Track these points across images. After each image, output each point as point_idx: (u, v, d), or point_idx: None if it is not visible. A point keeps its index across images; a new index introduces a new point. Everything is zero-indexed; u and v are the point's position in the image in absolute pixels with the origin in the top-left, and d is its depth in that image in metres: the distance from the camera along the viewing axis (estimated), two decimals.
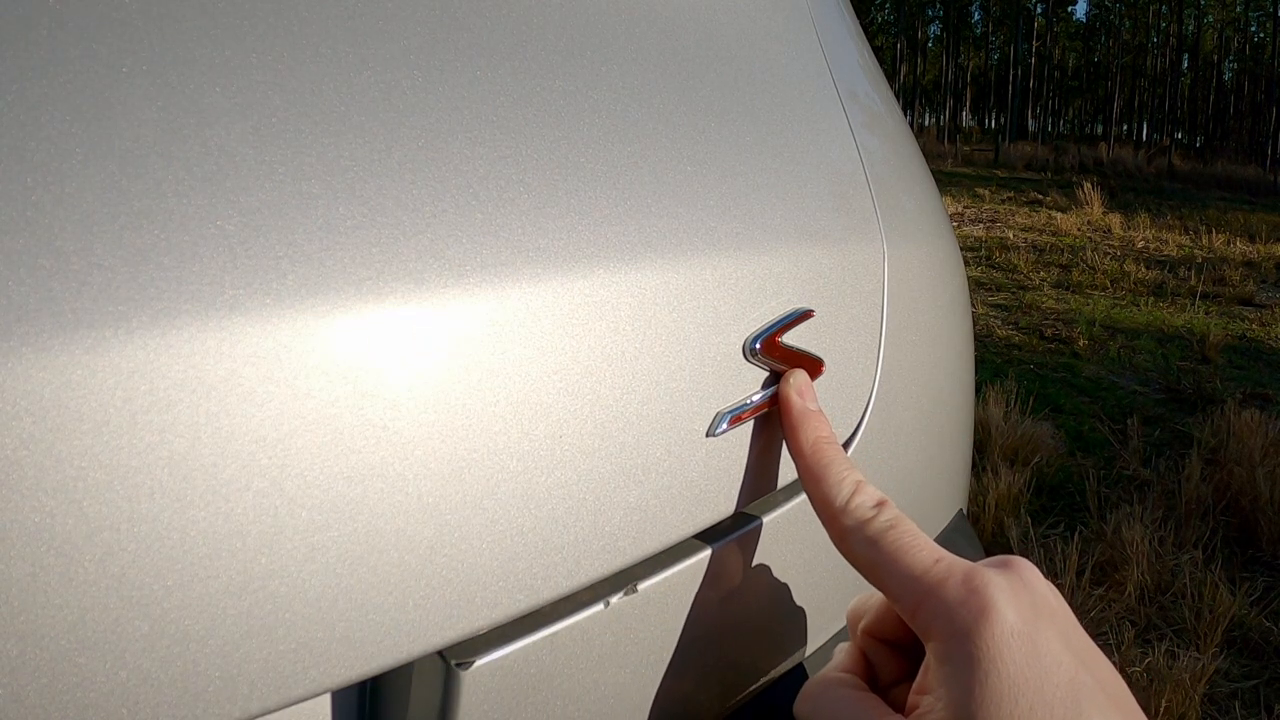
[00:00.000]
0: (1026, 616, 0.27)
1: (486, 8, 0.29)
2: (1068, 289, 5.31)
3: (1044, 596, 0.28)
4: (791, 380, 0.34)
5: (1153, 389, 3.40)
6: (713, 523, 0.33)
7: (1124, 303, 4.99)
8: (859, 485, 0.32)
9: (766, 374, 0.34)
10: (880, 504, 0.31)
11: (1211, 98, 37.38)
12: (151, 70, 0.21)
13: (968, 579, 0.27)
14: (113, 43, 0.20)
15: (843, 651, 0.34)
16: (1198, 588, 1.82)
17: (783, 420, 0.34)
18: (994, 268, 5.99)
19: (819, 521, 0.32)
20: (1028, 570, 0.28)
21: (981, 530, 2.12)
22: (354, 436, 0.22)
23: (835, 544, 0.31)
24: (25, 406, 0.18)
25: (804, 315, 0.35)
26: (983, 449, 2.55)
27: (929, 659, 0.28)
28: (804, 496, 0.37)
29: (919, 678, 0.29)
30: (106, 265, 0.19)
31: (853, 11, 0.56)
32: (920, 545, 0.29)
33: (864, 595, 0.35)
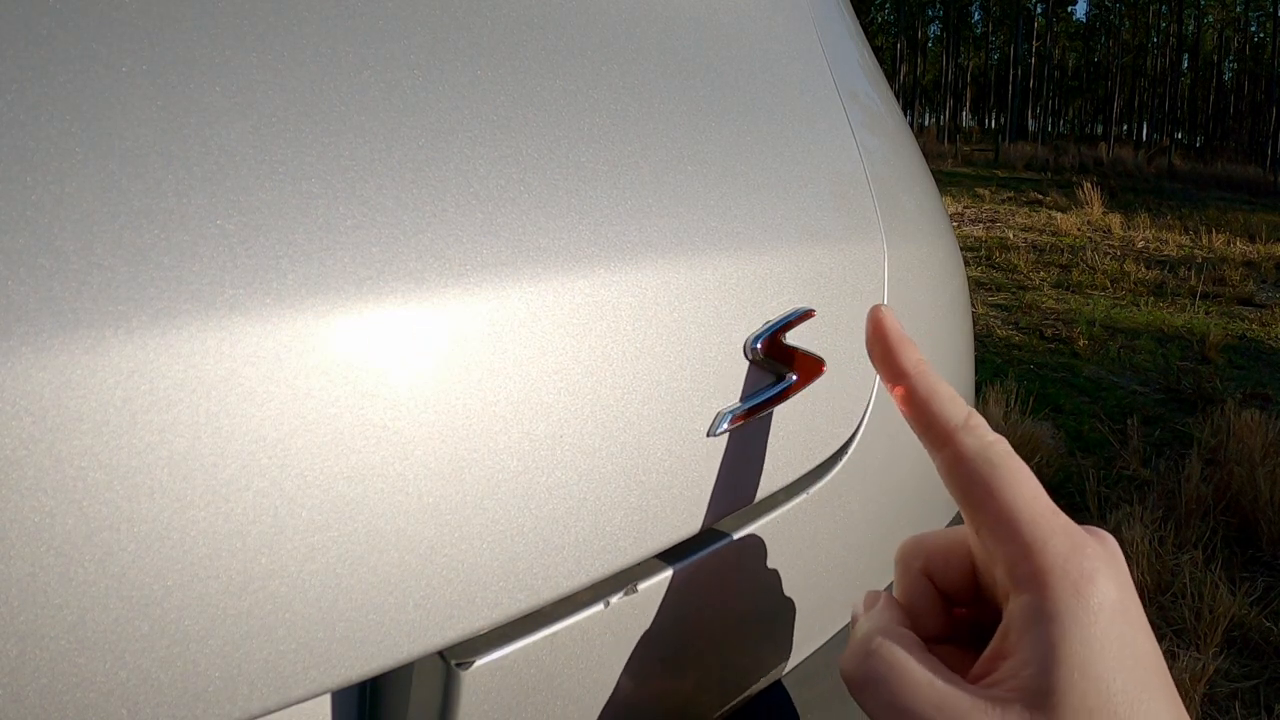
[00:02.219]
0: (1123, 592, 0.25)
1: (486, 8, 0.29)
2: (1068, 289, 5.31)
3: (1129, 575, 0.26)
4: (883, 309, 0.33)
5: (1152, 389, 3.40)
6: (713, 522, 0.33)
7: (1124, 303, 4.99)
8: (972, 410, 0.29)
9: (767, 374, 0.34)
10: (997, 433, 0.29)
11: (1211, 98, 37.39)
12: (151, 70, 0.21)
13: (1079, 541, 0.26)
14: (113, 43, 0.20)
15: (884, 601, 0.30)
16: (1198, 588, 1.82)
17: (878, 345, 0.32)
18: (994, 268, 5.99)
19: (818, 520, 0.32)
20: (1115, 545, 0.27)
21: None
22: (354, 436, 0.22)
23: (947, 467, 0.29)
24: (25, 406, 0.18)
25: (805, 315, 0.35)
26: None
27: (1013, 619, 0.25)
28: (805, 496, 0.37)
29: (995, 643, 0.26)
30: (106, 265, 0.19)
31: (853, 11, 0.56)
32: (1039, 488, 0.27)
33: (918, 535, 0.32)
